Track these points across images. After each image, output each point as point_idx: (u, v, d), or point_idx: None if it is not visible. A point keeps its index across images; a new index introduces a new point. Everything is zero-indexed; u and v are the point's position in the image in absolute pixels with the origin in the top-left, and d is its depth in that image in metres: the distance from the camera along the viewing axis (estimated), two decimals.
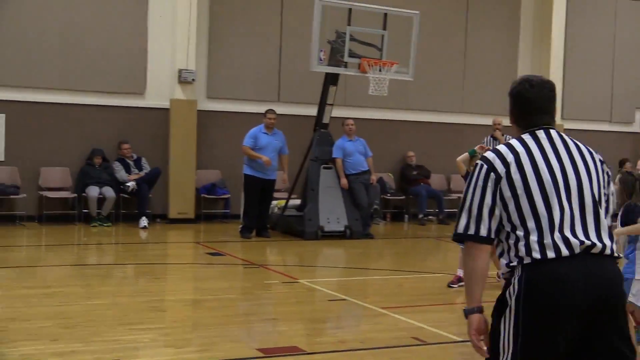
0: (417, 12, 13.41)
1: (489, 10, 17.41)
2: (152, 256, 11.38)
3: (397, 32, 13.28)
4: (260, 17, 15.21)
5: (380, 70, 12.86)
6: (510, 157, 3.23)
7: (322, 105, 13.37)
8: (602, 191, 3.29)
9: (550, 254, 3.10)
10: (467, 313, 3.26)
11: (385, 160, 15.92)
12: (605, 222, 3.25)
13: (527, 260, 3.13)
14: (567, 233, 3.13)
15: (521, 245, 3.15)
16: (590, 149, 3.37)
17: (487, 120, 15.30)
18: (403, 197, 16.22)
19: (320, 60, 12.76)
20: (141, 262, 10.50)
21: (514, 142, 3.31)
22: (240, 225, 13.12)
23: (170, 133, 14.39)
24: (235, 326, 7.02)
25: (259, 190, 12.81)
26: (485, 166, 3.26)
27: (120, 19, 14.18)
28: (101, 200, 13.64)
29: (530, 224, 3.14)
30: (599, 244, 3.15)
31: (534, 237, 3.13)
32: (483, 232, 3.22)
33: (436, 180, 16.63)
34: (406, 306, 7.81)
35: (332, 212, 13.12)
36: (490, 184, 3.22)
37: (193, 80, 14.34)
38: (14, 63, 13.52)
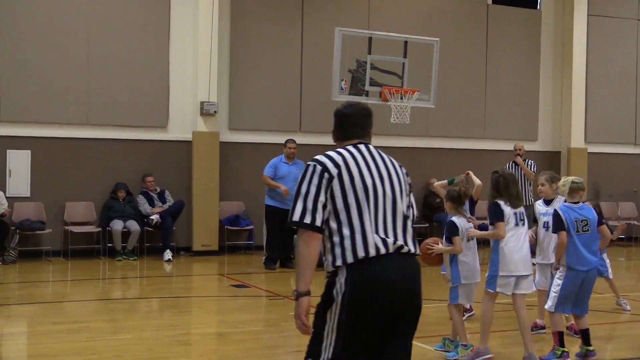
0: (437, 39, 13.44)
1: (509, 36, 17.43)
2: (177, 289, 11.41)
3: (418, 59, 13.30)
4: (281, 48, 15.33)
5: (401, 98, 12.87)
6: (340, 162, 3.69)
7: None
8: (406, 199, 3.80)
9: (372, 252, 3.57)
10: (299, 296, 3.64)
11: None
12: (410, 227, 3.77)
13: (350, 260, 3.57)
14: (383, 234, 3.62)
15: (346, 243, 3.59)
16: (398, 163, 3.87)
17: (509, 146, 15.26)
18: (427, 225, 16.17)
19: (342, 89, 12.77)
20: (166, 296, 10.53)
21: (342, 151, 3.78)
22: (264, 257, 13.15)
23: (193, 165, 14.49)
24: (261, 359, 7.02)
25: (280, 220, 12.80)
26: (319, 167, 3.68)
27: (141, 53, 14.35)
28: (125, 234, 13.72)
29: (353, 224, 3.60)
30: (406, 245, 3.68)
31: (358, 237, 3.59)
32: (318, 222, 3.61)
33: None
34: (433, 335, 7.76)
35: None
36: (324, 182, 3.65)
37: (215, 112, 14.45)
38: (37, 100, 13.70)
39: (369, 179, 3.67)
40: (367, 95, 12.98)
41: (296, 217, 3.60)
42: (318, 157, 3.73)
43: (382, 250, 3.58)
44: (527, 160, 14.17)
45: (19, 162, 13.59)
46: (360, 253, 3.56)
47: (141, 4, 14.40)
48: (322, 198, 3.61)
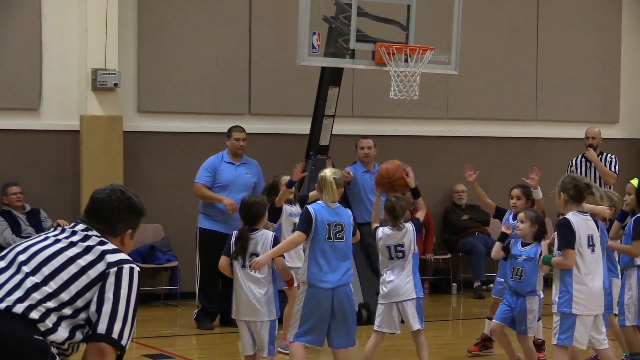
0: None
1: None
2: None
3: (432, 3, 13.27)
4: None
5: (406, 61, 12.84)
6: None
7: (317, 119, 13.42)
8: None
9: None
10: None
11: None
12: (27, 288, 4.94)
13: None
14: None
15: None
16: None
17: (575, 132, 15.23)
18: (449, 256, 16.10)
19: (314, 48, 12.76)
20: None
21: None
22: (196, 310, 13.07)
23: (82, 168, 14.30)
24: None
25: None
26: None
27: None
28: None
29: None
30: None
31: None
32: None
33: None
34: None
35: None
36: None
37: (116, 85, 14.27)
38: None
39: (21, 243, 5.19)
40: (352, 56, 12.99)
41: None
42: None
43: None
44: (605, 154, 14.08)
45: None
46: None
47: None
48: None
